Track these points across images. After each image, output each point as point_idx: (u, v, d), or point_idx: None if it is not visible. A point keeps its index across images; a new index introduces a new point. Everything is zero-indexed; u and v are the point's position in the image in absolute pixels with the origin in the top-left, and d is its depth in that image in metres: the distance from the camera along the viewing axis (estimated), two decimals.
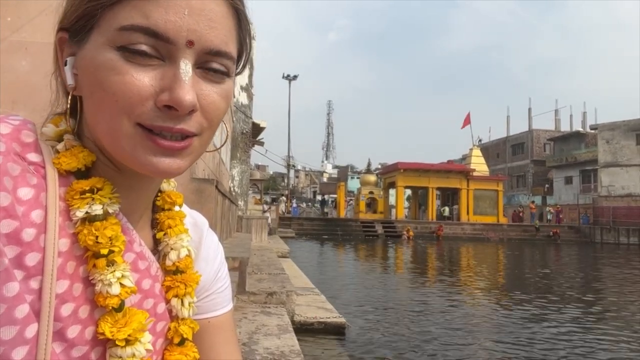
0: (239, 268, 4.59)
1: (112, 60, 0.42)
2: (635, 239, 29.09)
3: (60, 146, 0.47)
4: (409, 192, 38.30)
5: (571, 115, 54.41)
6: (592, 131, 40.18)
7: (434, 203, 33.82)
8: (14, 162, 0.41)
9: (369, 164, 38.95)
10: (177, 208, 0.58)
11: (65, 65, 0.47)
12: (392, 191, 36.44)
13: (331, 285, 9.90)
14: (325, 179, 78.54)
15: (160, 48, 0.42)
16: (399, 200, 34.15)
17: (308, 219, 33.31)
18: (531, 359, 5.36)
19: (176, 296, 0.53)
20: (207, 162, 5.67)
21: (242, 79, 14.21)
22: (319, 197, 49.53)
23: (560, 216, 31.26)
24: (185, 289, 0.54)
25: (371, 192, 35.15)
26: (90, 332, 0.44)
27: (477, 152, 36.30)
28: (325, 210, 40.66)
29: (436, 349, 5.61)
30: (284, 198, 40.14)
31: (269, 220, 17.76)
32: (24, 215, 0.40)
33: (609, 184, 34.81)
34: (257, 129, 17.21)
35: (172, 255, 0.54)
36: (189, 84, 0.43)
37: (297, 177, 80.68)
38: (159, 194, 0.57)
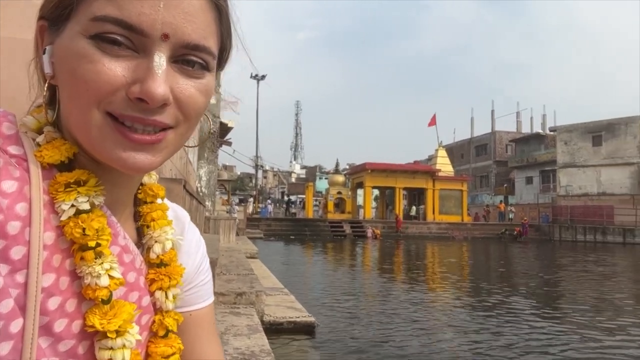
0: None
1: (85, 48, 0.42)
2: (591, 236, 30.38)
3: (40, 139, 0.46)
4: (376, 192, 38.70)
5: (532, 118, 56.29)
6: (552, 133, 41.74)
7: (400, 203, 34.30)
8: None
9: (337, 165, 39.11)
10: (159, 201, 0.58)
11: (44, 54, 0.46)
12: (360, 191, 36.73)
13: (300, 285, 9.92)
14: (293, 179, 78.46)
15: (134, 40, 0.42)
16: (366, 201, 34.47)
17: (276, 220, 33.17)
18: (496, 353, 5.52)
19: (160, 289, 0.53)
20: (175, 161, 5.58)
21: None
22: (288, 198, 49.38)
23: (527, 226, 31.98)
24: (170, 281, 0.53)
25: (339, 192, 35.34)
26: (77, 326, 0.44)
27: (442, 152, 37.04)
28: (293, 210, 40.55)
29: (404, 344, 5.71)
30: (252, 199, 39.82)
31: (237, 221, 17.59)
32: (8, 208, 0.39)
33: (567, 184, 36.24)
34: (224, 129, 17.01)
35: (157, 248, 0.54)
36: (161, 77, 0.42)
37: (265, 177, 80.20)
38: (140, 187, 0.57)
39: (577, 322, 7.23)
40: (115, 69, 0.41)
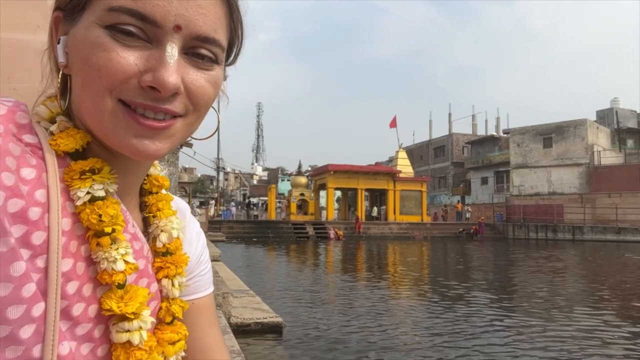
0: None
1: (100, 37, 0.43)
2: (542, 234, 31.85)
3: (53, 127, 0.47)
4: (339, 193, 39.02)
5: (486, 121, 58.56)
6: (505, 135, 43.48)
7: (362, 204, 34.74)
8: (14, 143, 0.42)
9: (299, 166, 39.15)
10: (163, 191, 0.59)
11: (59, 43, 0.48)
12: (322, 193, 36.93)
13: (265, 286, 9.93)
14: (255, 182, 77.81)
15: (147, 30, 0.43)
16: (329, 202, 34.71)
17: (238, 222, 32.84)
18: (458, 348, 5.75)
19: (167, 277, 0.54)
20: None
21: None
22: (248, 200, 48.97)
23: (483, 225, 33.13)
24: (176, 269, 0.55)
25: (302, 194, 35.40)
26: (93, 310, 0.45)
27: (402, 154, 37.81)
28: (255, 213, 40.25)
29: (368, 339, 5.85)
30: (213, 202, 39.26)
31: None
32: (28, 195, 0.40)
33: (519, 184, 37.80)
34: None
35: (163, 237, 0.55)
36: (173, 66, 0.44)
37: (226, 179, 79.16)
38: (146, 178, 0.58)
39: (529, 312, 7.67)
40: (129, 57, 0.43)
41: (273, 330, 5.63)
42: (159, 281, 0.54)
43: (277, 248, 22.51)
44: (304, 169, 40.65)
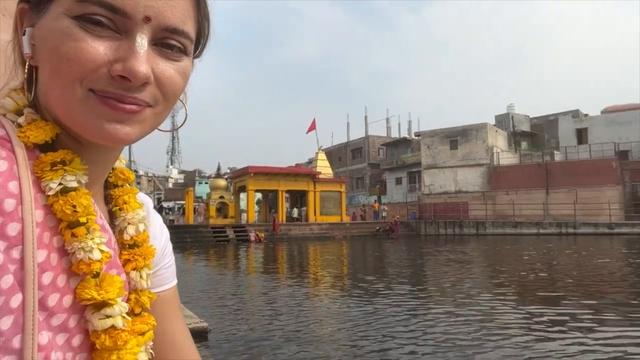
0: None
1: (69, 27, 0.43)
2: (450, 230, 34.20)
3: (21, 120, 0.47)
4: (259, 195, 38.84)
5: (399, 124, 61.59)
6: (417, 137, 46.01)
7: (283, 205, 34.91)
8: None
9: (218, 168, 38.39)
10: (127, 185, 0.61)
11: (24, 35, 0.47)
12: (242, 195, 36.52)
13: (187, 292, 9.72)
14: (170, 185, 74.90)
15: (117, 21, 0.44)
16: (249, 204, 34.46)
17: None
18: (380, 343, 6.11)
19: (135, 269, 0.55)
20: None
21: None
22: (160, 204, 47.04)
23: (398, 223, 34.80)
24: (144, 261, 0.56)
25: (222, 197, 34.76)
26: (67, 300, 0.45)
27: (322, 155, 38.53)
28: (171, 217, 38.84)
29: (292, 337, 6.00)
30: None
31: None
32: (2, 187, 0.40)
33: (430, 184, 40.22)
34: None
35: (130, 230, 0.56)
36: (143, 56, 0.44)
37: (138, 183, 75.27)
38: (111, 171, 0.59)
39: (439, 300, 8.34)
40: (98, 47, 0.43)
41: (198, 335, 5.58)
42: (127, 273, 0.54)
43: (196, 253, 21.94)
44: (223, 171, 39.89)
